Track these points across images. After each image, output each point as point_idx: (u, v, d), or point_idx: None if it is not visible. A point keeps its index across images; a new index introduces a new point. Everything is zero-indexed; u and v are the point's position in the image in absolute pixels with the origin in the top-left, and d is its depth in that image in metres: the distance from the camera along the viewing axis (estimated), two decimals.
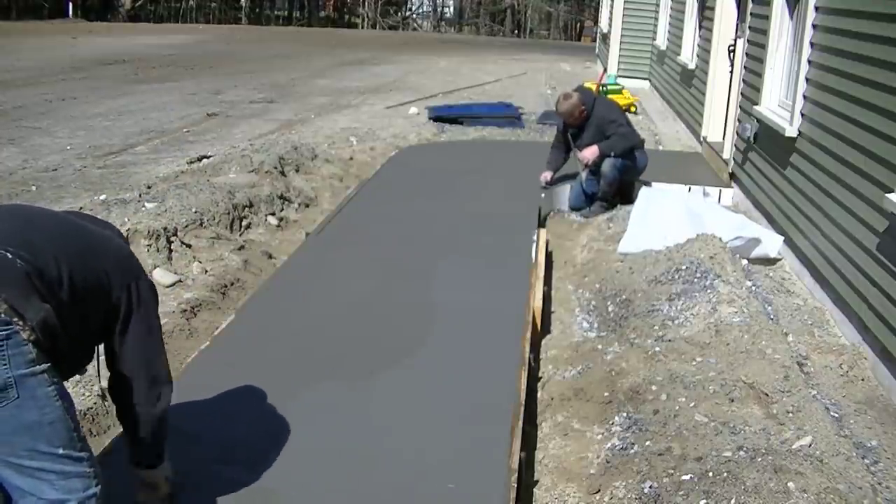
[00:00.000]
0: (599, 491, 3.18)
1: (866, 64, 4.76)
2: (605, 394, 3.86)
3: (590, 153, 6.76)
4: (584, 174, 6.92)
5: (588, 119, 6.87)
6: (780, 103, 6.58)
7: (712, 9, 9.26)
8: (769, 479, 2.86)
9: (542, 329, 4.74)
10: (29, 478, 2.01)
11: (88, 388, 3.63)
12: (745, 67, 7.58)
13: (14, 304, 1.94)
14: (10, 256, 2.00)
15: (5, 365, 1.91)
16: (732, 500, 2.80)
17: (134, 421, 2.33)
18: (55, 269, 2.08)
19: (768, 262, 5.90)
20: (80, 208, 6.01)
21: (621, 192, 7.01)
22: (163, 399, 2.34)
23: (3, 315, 1.92)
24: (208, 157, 8.29)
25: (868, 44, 4.77)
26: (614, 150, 6.74)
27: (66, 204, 6.44)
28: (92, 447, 3.24)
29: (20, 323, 1.94)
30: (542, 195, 6.90)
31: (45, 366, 1.99)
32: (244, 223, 6.27)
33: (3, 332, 1.91)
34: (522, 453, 3.11)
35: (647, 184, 7.25)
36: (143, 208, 5.89)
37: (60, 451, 2.02)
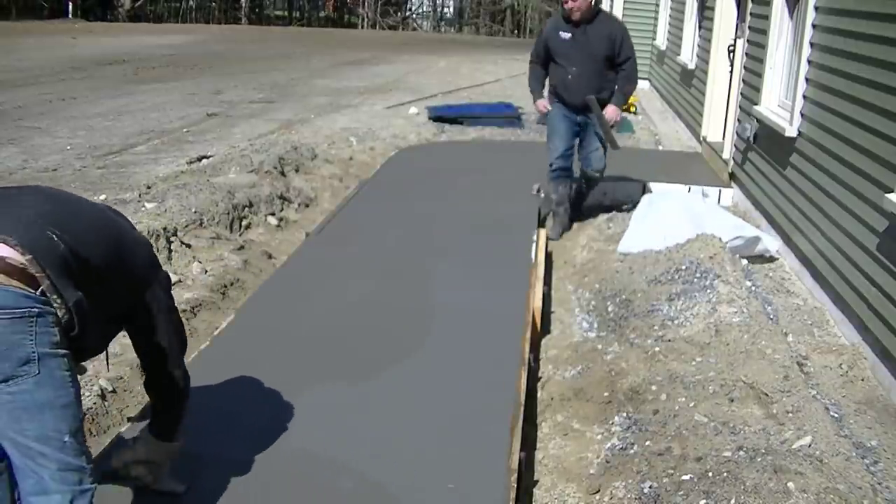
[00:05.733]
0: (599, 491, 3.18)
1: (866, 64, 4.76)
2: (605, 394, 3.86)
3: (612, 113, 6.10)
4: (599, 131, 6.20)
5: (594, 20, 5.90)
6: (780, 103, 6.58)
7: (712, 9, 9.26)
8: (769, 479, 2.86)
9: (542, 329, 4.74)
10: (31, 461, 2.02)
11: (88, 388, 3.63)
12: (744, 67, 7.58)
13: (57, 284, 1.99)
14: (56, 239, 2.04)
15: (31, 340, 1.96)
16: (732, 500, 2.80)
17: (168, 387, 2.49)
18: (92, 258, 2.13)
19: (768, 261, 5.90)
20: None
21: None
22: (185, 377, 2.53)
23: (45, 292, 1.97)
24: (208, 157, 8.29)
25: (868, 44, 4.77)
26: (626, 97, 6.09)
27: None
28: (91, 447, 3.26)
29: (58, 301, 2.00)
30: (542, 195, 6.87)
31: (66, 350, 2.04)
32: (244, 223, 6.27)
33: (37, 310, 1.96)
34: (522, 453, 3.11)
35: (647, 185, 7.25)
36: (143, 208, 5.89)
37: (66, 437, 2.04)
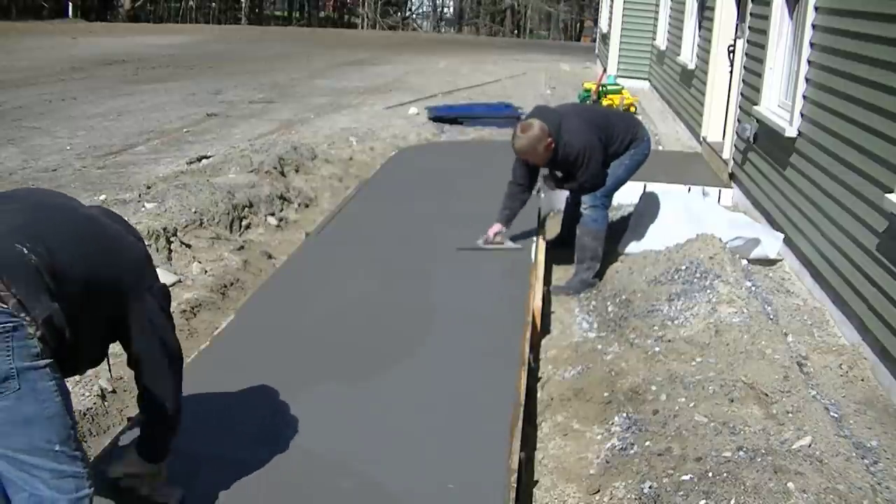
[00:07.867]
0: (599, 491, 3.18)
1: (866, 64, 4.76)
2: (605, 394, 3.86)
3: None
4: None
5: (556, 151, 5.07)
6: (780, 103, 6.58)
7: (712, 9, 9.26)
8: (769, 480, 2.86)
9: (541, 329, 4.74)
10: (24, 473, 2.02)
11: (88, 388, 3.63)
12: (744, 67, 7.58)
13: (23, 299, 1.97)
14: (26, 252, 2.02)
15: (9, 356, 1.94)
16: (732, 501, 2.80)
17: (149, 406, 2.44)
18: (70, 268, 2.10)
19: (768, 262, 5.89)
20: None
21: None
22: (170, 402, 2.44)
23: (11, 309, 1.95)
24: (208, 157, 8.29)
25: (868, 44, 4.77)
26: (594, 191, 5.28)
27: None
28: (92, 447, 3.27)
29: (27, 318, 1.97)
30: (542, 195, 6.87)
31: (48, 360, 2.02)
32: (244, 223, 6.27)
33: (10, 324, 1.94)
34: (522, 453, 3.11)
35: (646, 185, 7.24)
36: (143, 208, 5.89)
37: (57, 447, 2.03)
